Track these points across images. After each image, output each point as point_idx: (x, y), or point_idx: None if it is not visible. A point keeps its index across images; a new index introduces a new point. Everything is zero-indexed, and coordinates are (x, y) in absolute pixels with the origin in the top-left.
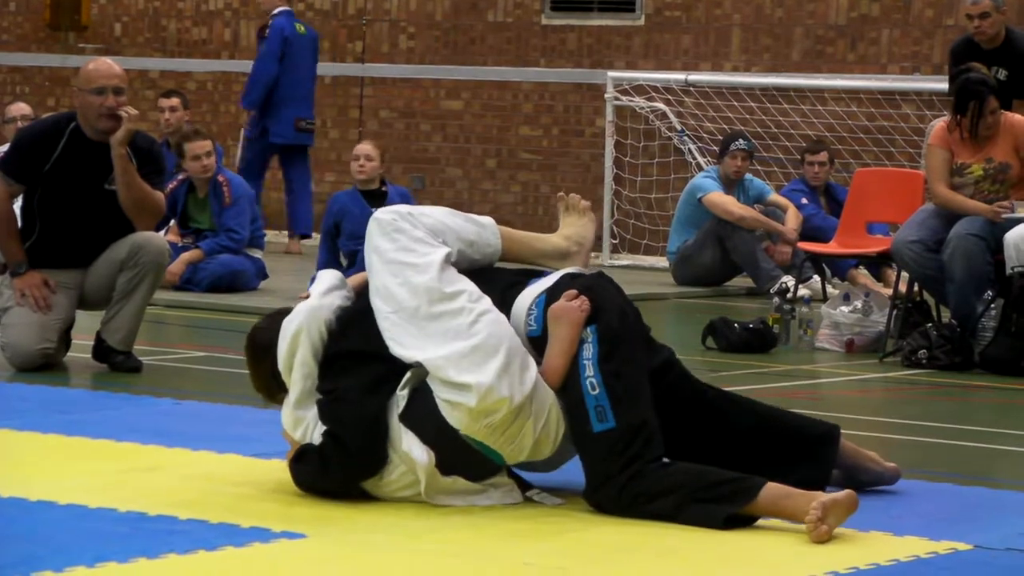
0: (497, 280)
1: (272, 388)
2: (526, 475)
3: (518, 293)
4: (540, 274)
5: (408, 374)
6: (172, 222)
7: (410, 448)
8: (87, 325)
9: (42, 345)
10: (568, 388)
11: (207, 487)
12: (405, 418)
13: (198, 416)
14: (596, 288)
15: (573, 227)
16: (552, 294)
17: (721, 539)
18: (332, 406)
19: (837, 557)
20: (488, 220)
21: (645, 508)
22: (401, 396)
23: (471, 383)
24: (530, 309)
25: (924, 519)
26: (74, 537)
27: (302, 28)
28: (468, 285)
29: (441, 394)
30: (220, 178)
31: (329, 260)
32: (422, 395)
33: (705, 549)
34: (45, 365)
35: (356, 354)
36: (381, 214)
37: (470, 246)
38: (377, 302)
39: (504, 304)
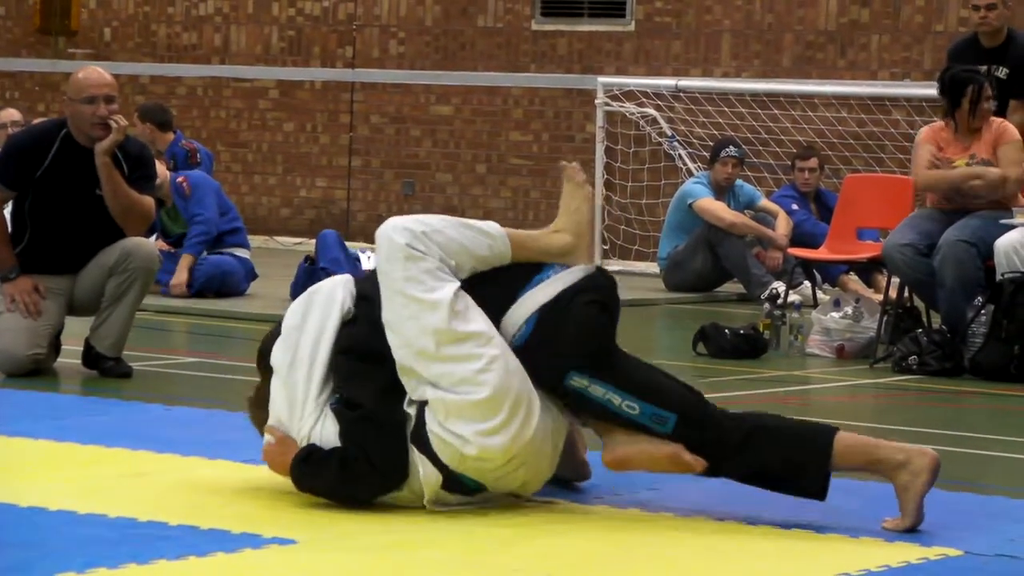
0: (494, 286)
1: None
2: None
3: (512, 304)
4: (539, 270)
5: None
6: (155, 234)
7: (422, 464)
8: (77, 331)
9: (32, 351)
10: (612, 421)
11: (197, 493)
12: (414, 438)
13: (188, 422)
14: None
15: (571, 211)
16: (544, 315)
17: (710, 544)
18: (360, 425)
19: (828, 563)
20: (496, 229)
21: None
22: (409, 413)
23: (468, 436)
24: (522, 325)
25: None
26: (64, 543)
27: None
28: (480, 324)
29: (435, 429)
30: (179, 179)
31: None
32: (422, 413)
33: (695, 553)
34: (35, 371)
35: (368, 353)
36: (393, 233)
37: (482, 262)
38: (388, 333)
39: (501, 310)
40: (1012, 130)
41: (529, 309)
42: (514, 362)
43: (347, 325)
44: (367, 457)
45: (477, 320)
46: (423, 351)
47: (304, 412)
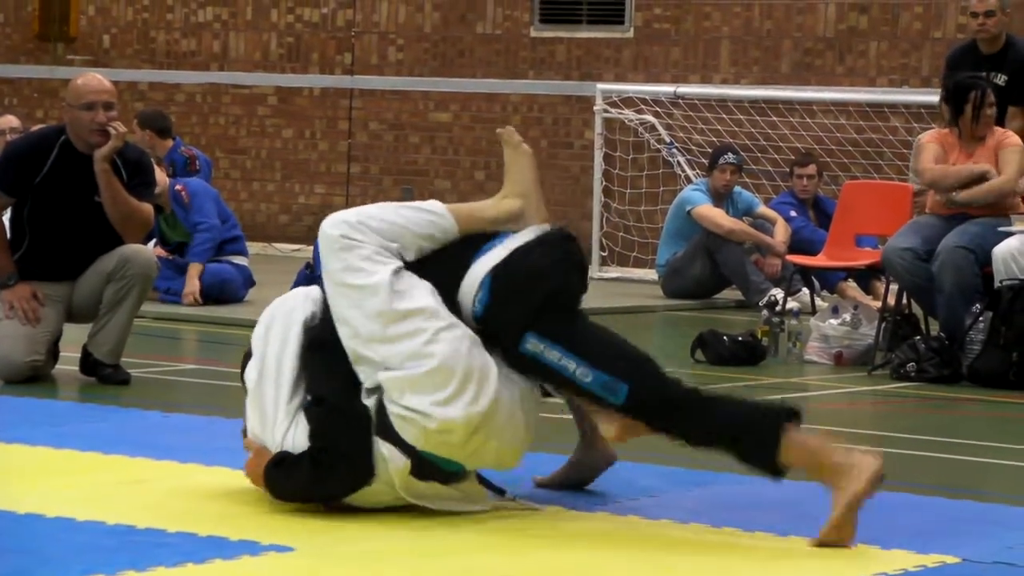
0: (446, 259)
1: None
2: (501, 478)
3: (465, 272)
4: (490, 238)
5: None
6: (154, 240)
7: (388, 452)
8: (75, 337)
9: (30, 357)
10: (568, 390)
11: (195, 500)
12: (379, 429)
13: (187, 429)
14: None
15: (514, 175)
16: (497, 274)
17: (708, 551)
18: (327, 418)
19: (825, 570)
20: (437, 206)
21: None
22: (368, 405)
23: (425, 409)
24: (477, 290)
25: (912, 532)
26: (62, 550)
27: None
28: (423, 300)
29: (394, 409)
30: (178, 187)
31: None
32: (381, 405)
33: (693, 561)
34: (33, 377)
35: (330, 344)
36: (328, 227)
37: (429, 239)
38: (338, 327)
39: (455, 281)
40: (1014, 137)
41: (480, 274)
42: (464, 331)
43: (311, 326)
44: (336, 448)
45: (421, 296)
46: (371, 336)
47: (276, 420)
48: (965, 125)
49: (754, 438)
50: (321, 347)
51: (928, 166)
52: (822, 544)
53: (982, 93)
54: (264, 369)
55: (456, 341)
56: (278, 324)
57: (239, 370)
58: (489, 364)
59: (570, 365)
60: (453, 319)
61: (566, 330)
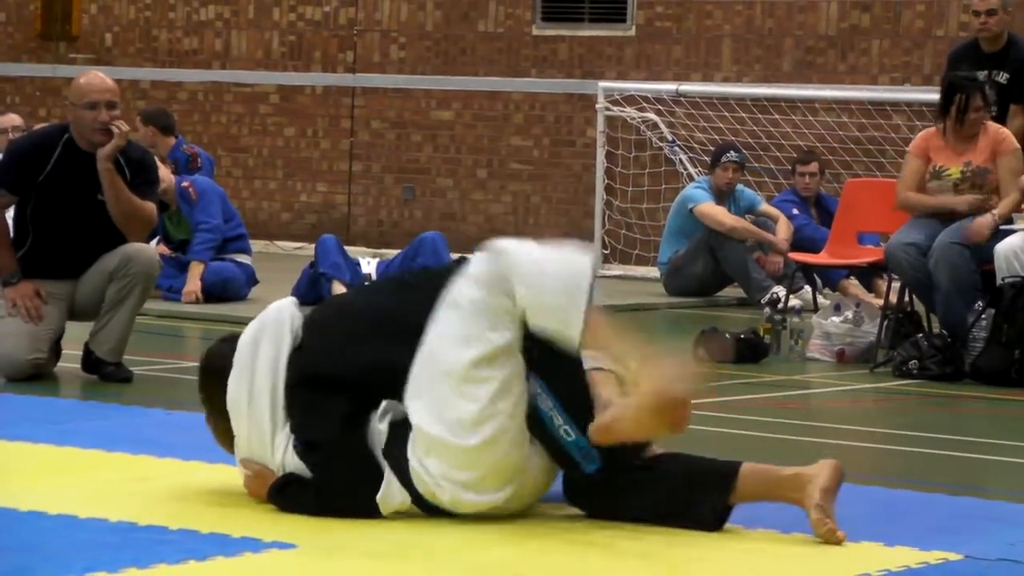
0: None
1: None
2: None
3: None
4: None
5: (384, 404)
6: (157, 238)
7: (388, 484)
8: (77, 335)
9: (33, 355)
10: (544, 438)
11: (198, 497)
12: (387, 456)
13: (189, 426)
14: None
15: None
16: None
17: (710, 548)
18: (327, 466)
19: (827, 567)
20: (583, 315)
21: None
22: (381, 430)
23: (441, 481)
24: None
25: (915, 529)
26: (65, 547)
27: None
28: (505, 372)
29: (412, 460)
30: (184, 184)
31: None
32: (401, 434)
33: (694, 559)
34: (35, 375)
35: (322, 381)
36: (500, 254)
37: (542, 331)
38: (429, 339)
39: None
40: (1011, 139)
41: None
42: (518, 425)
43: (296, 352)
44: (340, 493)
45: (508, 368)
46: (444, 376)
47: (275, 443)
48: (949, 125)
49: (709, 483)
50: (314, 381)
51: (902, 192)
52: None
53: (967, 97)
54: (255, 390)
55: (505, 433)
56: (266, 342)
57: (200, 362)
58: (523, 466)
59: (557, 419)
60: (520, 411)
61: (567, 368)
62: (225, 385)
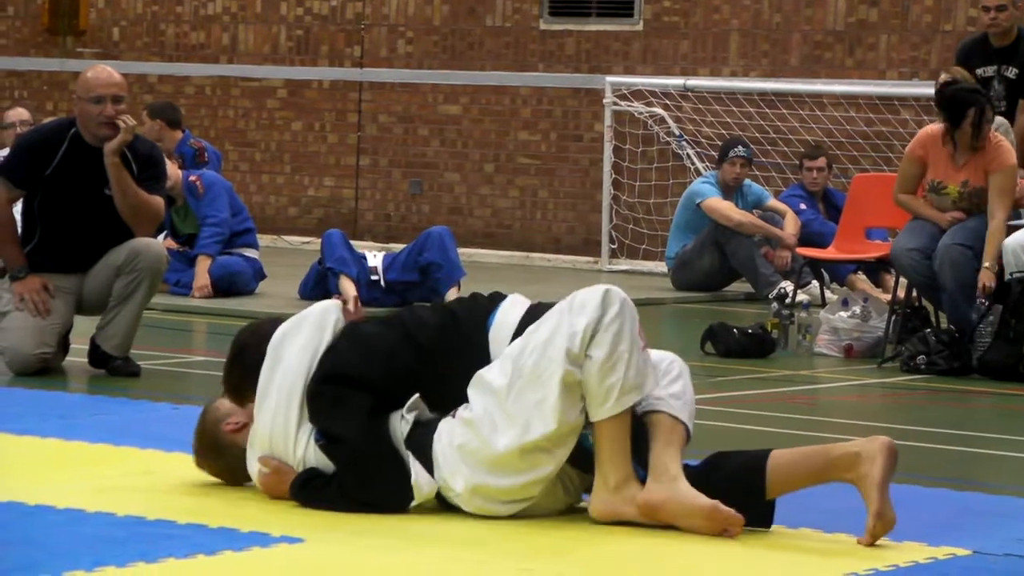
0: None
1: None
2: None
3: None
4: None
5: (412, 399)
6: (164, 232)
7: (417, 474)
8: (85, 329)
9: (40, 350)
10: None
11: (206, 491)
12: (409, 446)
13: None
14: None
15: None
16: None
17: (720, 543)
18: (353, 467)
19: (836, 563)
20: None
21: None
22: (406, 421)
23: (461, 490)
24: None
25: (923, 524)
26: (73, 541)
27: None
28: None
29: (437, 447)
30: (192, 178)
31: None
32: (424, 430)
33: (703, 552)
34: (43, 369)
35: (353, 379)
36: (594, 315)
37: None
38: (494, 366)
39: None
40: (1006, 156)
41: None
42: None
43: (327, 353)
44: (366, 485)
45: (558, 455)
46: (502, 399)
47: (299, 438)
48: (963, 140)
49: (742, 486)
50: (346, 378)
51: (898, 194)
52: (873, 539)
53: (980, 111)
54: (292, 385)
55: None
56: (304, 336)
57: (240, 338)
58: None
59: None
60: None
61: None
62: (251, 382)
